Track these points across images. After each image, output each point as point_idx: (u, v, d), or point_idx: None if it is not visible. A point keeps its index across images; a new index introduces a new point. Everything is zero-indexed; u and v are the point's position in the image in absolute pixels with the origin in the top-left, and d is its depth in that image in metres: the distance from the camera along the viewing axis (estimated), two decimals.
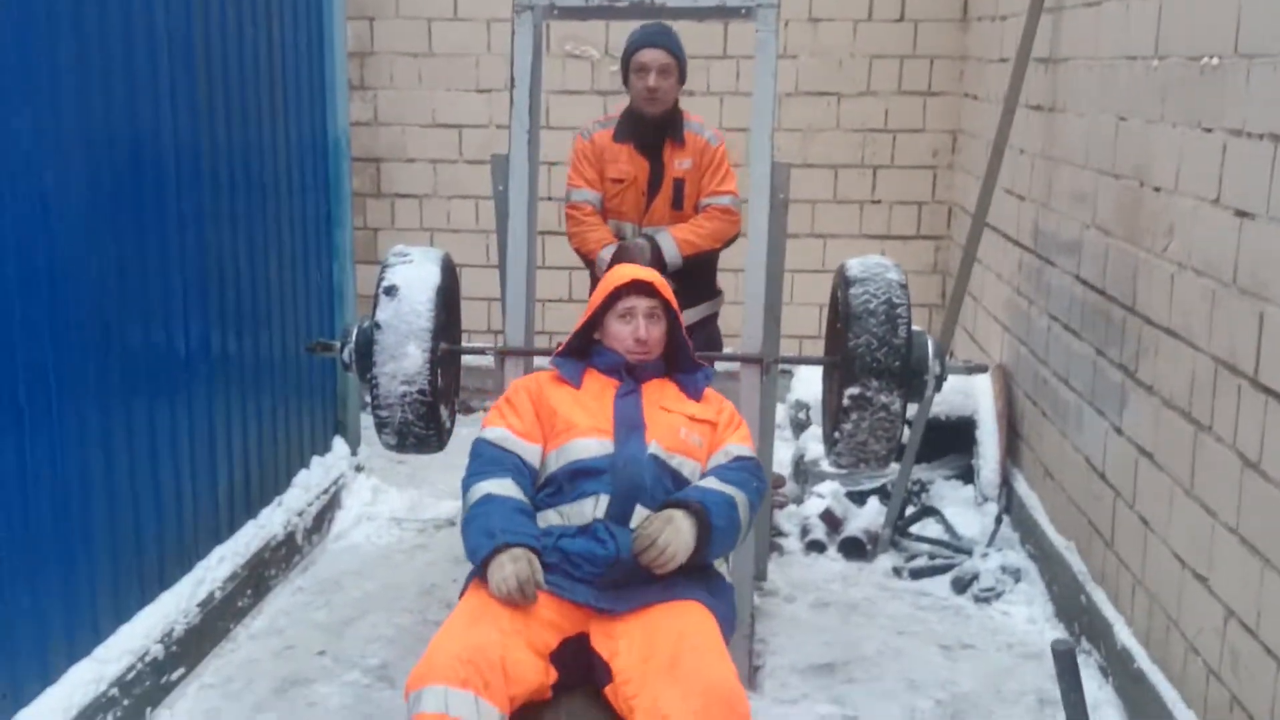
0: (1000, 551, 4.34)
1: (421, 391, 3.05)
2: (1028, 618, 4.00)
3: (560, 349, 2.88)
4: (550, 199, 5.39)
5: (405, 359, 3.03)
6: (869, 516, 4.59)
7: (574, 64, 6.06)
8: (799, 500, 4.83)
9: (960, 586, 4.20)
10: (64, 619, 2.98)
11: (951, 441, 4.91)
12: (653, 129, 3.99)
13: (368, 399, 3.19)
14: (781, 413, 5.43)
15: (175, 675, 3.42)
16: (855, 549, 4.48)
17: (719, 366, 3.77)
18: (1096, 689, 3.41)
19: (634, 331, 2.77)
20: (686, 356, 2.88)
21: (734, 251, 4.09)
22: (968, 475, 4.88)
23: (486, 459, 2.64)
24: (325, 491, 4.58)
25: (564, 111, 5.89)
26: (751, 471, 2.69)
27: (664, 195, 4.03)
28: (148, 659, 3.26)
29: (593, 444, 2.62)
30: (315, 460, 4.61)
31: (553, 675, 2.37)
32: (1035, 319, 4.50)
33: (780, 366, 3.58)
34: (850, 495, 4.73)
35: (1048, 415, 4.30)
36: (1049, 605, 4.04)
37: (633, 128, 4.02)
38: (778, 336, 3.75)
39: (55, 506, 2.93)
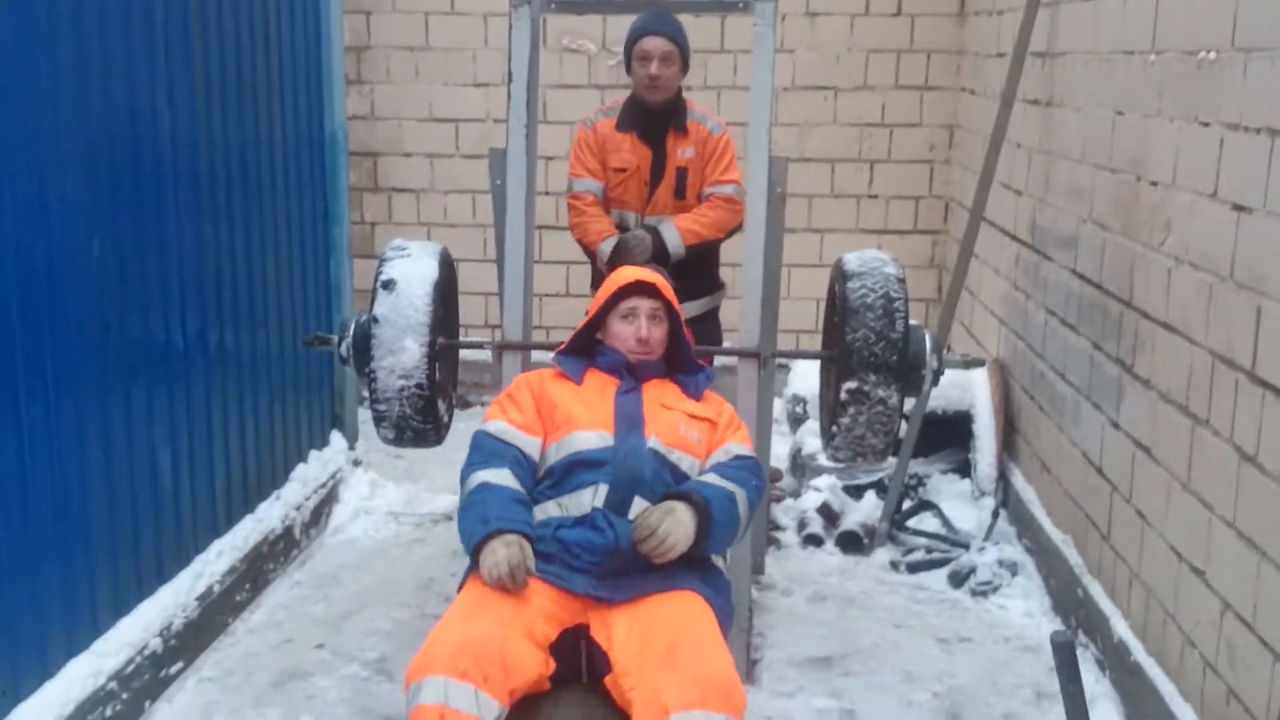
0: (997, 545, 4.35)
1: (419, 386, 3.05)
2: (1025, 611, 4.01)
3: (563, 347, 2.91)
4: (548, 193, 5.39)
5: (403, 353, 3.03)
6: (866, 510, 4.60)
7: (571, 58, 6.05)
8: (796, 494, 4.83)
9: (957, 580, 4.21)
10: (62, 613, 2.98)
11: (949, 436, 4.91)
12: (656, 118, 3.97)
13: (365, 393, 3.19)
14: (779, 407, 5.44)
15: (174, 669, 3.43)
16: (852, 543, 4.48)
17: (718, 361, 3.78)
18: (1093, 682, 3.41)
19: (636, 332, 2.80)
20: (688, 358, 2.92)
21: (732, 245, 4.09)
22: (965, 469, 4.88)
23: (486, 450, 2.67)
24: (323, 486, 4.59)
25: (561, 106, 5.89)
26: (751, 470, 2.72)
27: (667, 184, 4.02)
28: (146, 653, 3.27)
29: (593, 437, 2.65)
30: (313, 455, 4.61)
31: (552, 666, 2.38)
32: (1032, 313, 4.50)
33: (777, 361, 3.59)
34: (847, 489, 4.74)
35: (1045, 409, 4.31)
36: (1046, 599, 4.05)
37: (635, 116, 4.00)
38: (775, 331, 3.75)
39: (54, 502, 2.93)
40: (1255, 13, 2.74)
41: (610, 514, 2.52)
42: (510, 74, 3.44)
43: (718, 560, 2.73)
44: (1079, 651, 3.46)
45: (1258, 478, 2.64)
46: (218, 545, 3.78)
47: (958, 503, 4.72)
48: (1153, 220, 3.29)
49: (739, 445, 2.76)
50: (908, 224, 6.17)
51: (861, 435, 3.04)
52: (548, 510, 2.59)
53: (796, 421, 5.23)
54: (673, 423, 2.72)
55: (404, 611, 3.95)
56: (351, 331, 3.17)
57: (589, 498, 2.56)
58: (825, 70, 6.01)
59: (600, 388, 2.78)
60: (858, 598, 4.12)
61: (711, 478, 2.64)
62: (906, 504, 4.70)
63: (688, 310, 3.75)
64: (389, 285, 3.08)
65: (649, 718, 2.20)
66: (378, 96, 6.16)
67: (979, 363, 4.16)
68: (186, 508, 3.60)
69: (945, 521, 4.60)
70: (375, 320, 3.05)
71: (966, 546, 4.38)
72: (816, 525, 4.55)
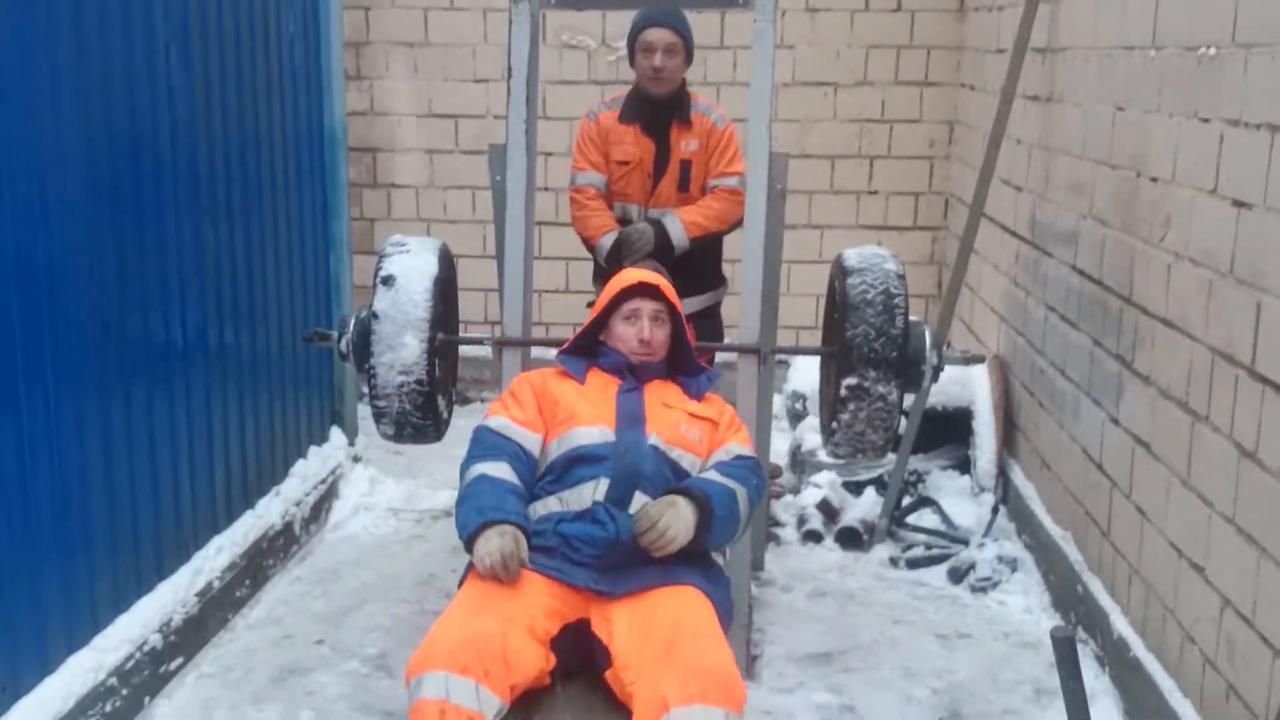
0: (997, 541, 4.36)
1: (419, 381, 3.05)
2: (1024, 607, 4.01)
3: (565, 347, 2.91)
4: (547, 189, 5.39)
5: (403, 349, 3.03)
6: (866, 507, 4.60)
7: (571, 54, 6.05)
8: (796, 490, 4.83)
9: (957, 576, 4.21)
10: (62, 609, 2.98)
11: (948, 432, 4.91)
12: (659, 110, 3.96)
13: (365, 389, 3.19)
14: (778, 403, 5.44)
15: (174, 665, 3.43)
16: (852, 539, 4.49)
17: (718, 357, 3.77)
18: (1093, 678, 3.42)
19: (639, 333, 2.82)
20: (689, 359, 2.93)
21: (733, 241, 4.08)
22: (964, 465, 4.88)
23: (486, 445, 2.69)
24: (323, 482, 4.59)
25: (561, 102, 5.89)
26: (752, 470, 2.74)
27: (670, 177, 4.00)
28: (146, 649, 3.27)
29: (595, 432, 2.66)
30: (313, 450, 4.61)
31: (553, 662, 2.39)
32: (1032, 309, 4.50)
33: (777, 357, 3.59)
34: (847, 485, 4.74)
35: (1044, 406, 4.31)
36: (1045, 595, 4.05)
37: (639, 108, 3.99)
38: (775, 327, 3.75)
39: (54, 499, 2.93)
40: (1255, 8, 2.74)
41: (611, 508, 2.53)
42: (510, 69, 3.43)
43: (718, 556, 2.74)
44: (1078, 647, 3.47)
45: (1257, 474, 2.64)
46: (217, 541, 3.78)
47: (957, 499, 4.72)
48: (1153, 216, 3.29)
49: (740, 446, 2.78)
50: (908, 220, 6.16)
51: (861, 431, 3.04)
52: (549, 505, 2.60)
53: (796, 418, 5.23)
54: (674, 421, 2.74)
55: (404, 607, 3.95)
56: (351, 327, 3.16)
57: (590, 492, 2.57)
58: (825, 66, 6.00)
59: (602, 386, 2.80)
60: (857, 594, 4.12)
61: (713, 475, 2.65)
62: (906, 500, 4.70)
63: (690, 305, 3.75)
64: (389, 281, 3.08)
65: (649, 712, 2.20)
66: (377, 92, 6.15)
67: (979, 359, 4.13)
68: (186, 504, 3.60)
69: (945, 518, 4.60)
70: (375, 316, 3.05)
71: (966, 543, 4.38)
72: (816, 521, 4.55)
